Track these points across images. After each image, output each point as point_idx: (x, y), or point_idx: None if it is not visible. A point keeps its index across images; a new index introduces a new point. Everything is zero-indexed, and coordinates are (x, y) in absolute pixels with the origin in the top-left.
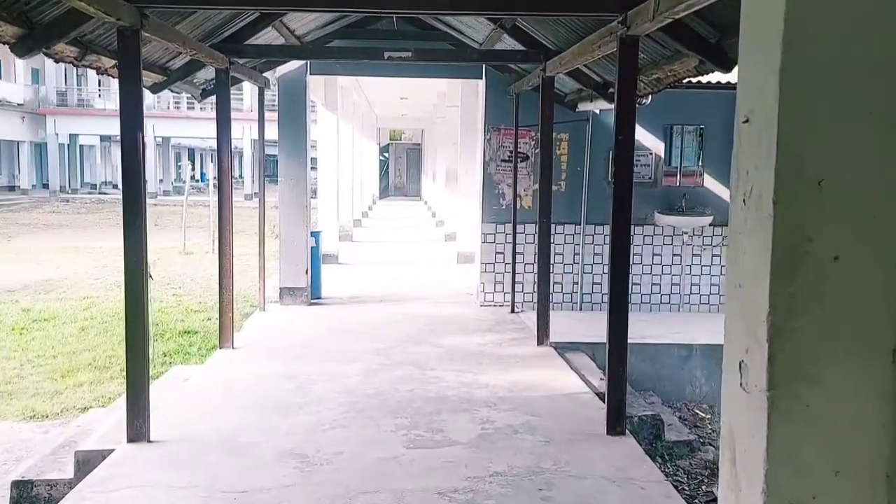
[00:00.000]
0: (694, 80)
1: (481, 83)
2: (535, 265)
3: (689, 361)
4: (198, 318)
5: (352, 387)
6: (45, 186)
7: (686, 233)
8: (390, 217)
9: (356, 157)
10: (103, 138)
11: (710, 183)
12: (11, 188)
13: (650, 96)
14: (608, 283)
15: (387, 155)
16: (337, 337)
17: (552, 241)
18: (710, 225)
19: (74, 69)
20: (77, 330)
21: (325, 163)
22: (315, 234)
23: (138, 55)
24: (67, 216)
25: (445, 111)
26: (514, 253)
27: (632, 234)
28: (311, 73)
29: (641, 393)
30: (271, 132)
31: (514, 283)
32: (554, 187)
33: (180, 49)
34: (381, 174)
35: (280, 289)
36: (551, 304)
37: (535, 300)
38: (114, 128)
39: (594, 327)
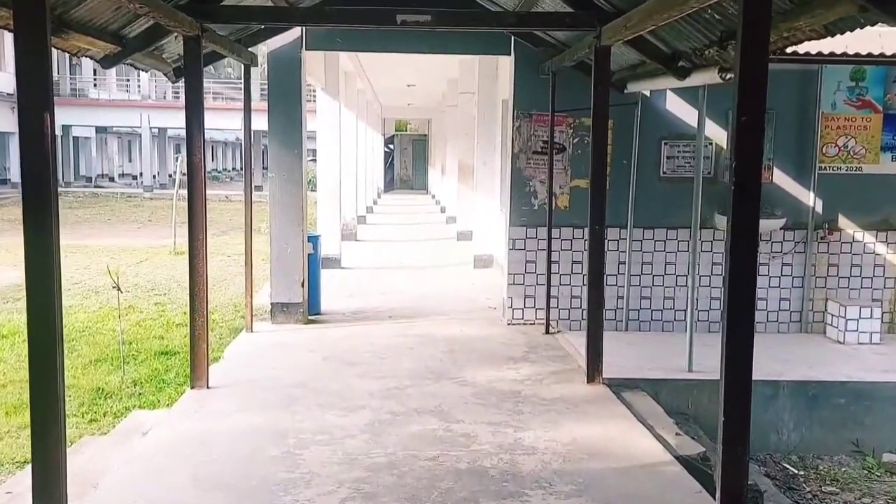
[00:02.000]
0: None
1: (509, 60)
2: (571, 276)
3: (774, 402)
4: (179, 333)
5: (356, 452)
6: None
7: None
8: (396, 213)
9: (360, 148)
10: (99, 130)
11: (781, 178)
12: (2, 181)
13: None
14: (724, 324)
15: (392, 147)
16: (337, 370)
17: (586, 247)
18: (782, 229)
19: (68, 59)
20: None
21: (326, 154)
22: (313, 239)
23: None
24: None
25: (457, 98)
26: (549, 262)
27: (689, 238)
28: (306, 49)
29: (716, 439)
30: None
31: (548, 297)
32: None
33: (128, 6)
34: (385, 167)
35: (272, 304)
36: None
37: (572, 318)
38: (109, 119)
39: (648, 354)
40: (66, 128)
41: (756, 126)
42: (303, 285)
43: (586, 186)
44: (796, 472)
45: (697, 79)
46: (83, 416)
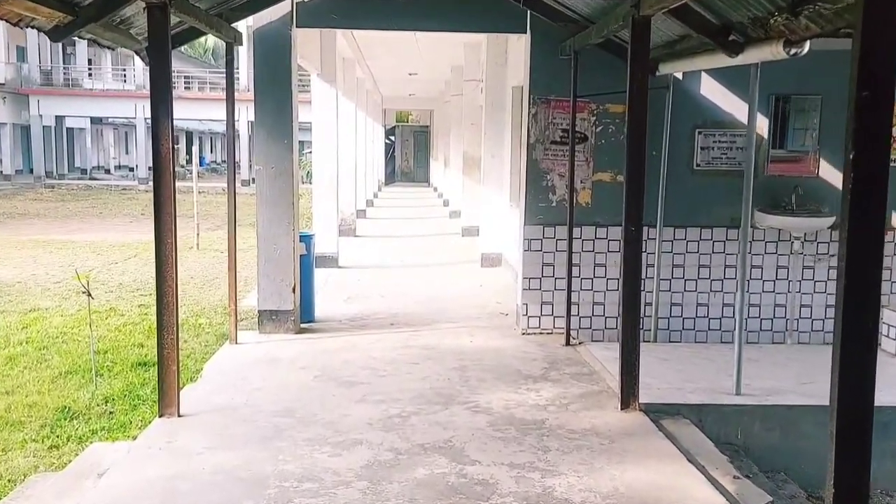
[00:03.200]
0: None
1: (522, 42)
2: (594, 280)
3: None
4: None
5: None
6: (33, 171)
7: (797, 238)
8: (398, 206)
9: (360, 139)
10: (94, 121)
11: (828, 172)
12: None
13: (807, 43)
14: (835, 362)
15: (392, 138)
16: (330, 393)
17: (610, 248)
18: (830, 228)
19: (61, 47)
20: (3, 360)
21: (323, 145)
22: (305, 238)
23: None
24: (49, 204)
25: (462, 86)
26: (570, 265)
27: (725, 238)
28: (297, 26)
29: (771, 475)
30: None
31: (569, 304)
32: (620, 178)
33: None
34: (386, 159)
35: (259, 312)
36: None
37: (595, 327)
38: (104, 109)
39: (686, 371)
40: (59, 118)
41: (883, 103)
42: (294, 291)
43: (610, 181)
44: None
45: (754, 55)
46: (43, 442)
